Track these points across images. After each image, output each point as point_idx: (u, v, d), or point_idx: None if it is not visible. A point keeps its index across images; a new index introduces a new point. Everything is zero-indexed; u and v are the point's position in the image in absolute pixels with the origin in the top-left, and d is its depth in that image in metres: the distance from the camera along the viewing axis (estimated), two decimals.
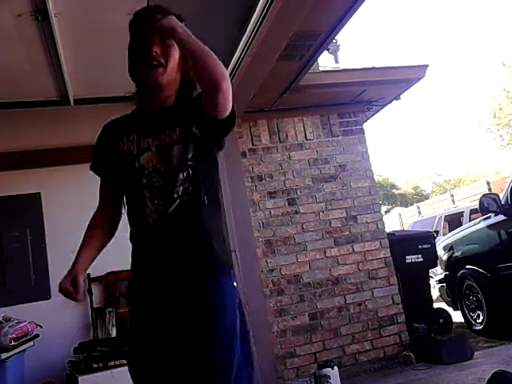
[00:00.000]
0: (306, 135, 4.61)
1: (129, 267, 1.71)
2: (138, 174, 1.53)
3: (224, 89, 1.40)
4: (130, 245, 1.79)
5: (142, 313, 1.57)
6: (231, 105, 1.47)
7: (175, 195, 1.49)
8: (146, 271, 1.59)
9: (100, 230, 1.75)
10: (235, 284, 1.54)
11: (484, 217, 5.21)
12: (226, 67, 3.22)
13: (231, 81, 3.35)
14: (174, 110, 1.57)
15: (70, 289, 1.61)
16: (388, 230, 5.19)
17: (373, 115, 5.30)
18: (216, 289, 1.48)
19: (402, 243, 4.79)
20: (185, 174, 1.50)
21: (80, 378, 2.93)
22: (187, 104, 1.58)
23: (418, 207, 15.45)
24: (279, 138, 4.54)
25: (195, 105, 1.53)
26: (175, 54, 1.57)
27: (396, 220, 15.53)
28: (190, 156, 1.51)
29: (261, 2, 2.53)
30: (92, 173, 1.74)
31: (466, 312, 5.35)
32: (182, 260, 1.49)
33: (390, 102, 5.04)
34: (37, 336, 3.19)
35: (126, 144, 1.57)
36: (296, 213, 4.42)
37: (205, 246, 1.51)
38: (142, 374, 1.52)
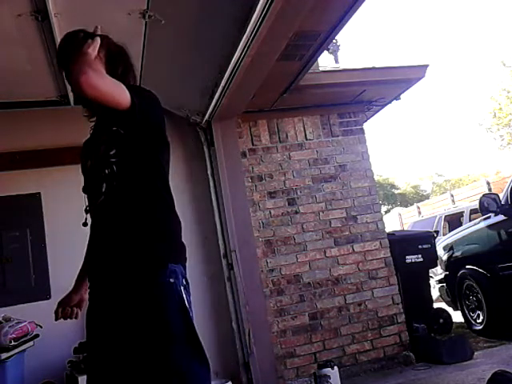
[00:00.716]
0: (305, 135, 4.61)
1: None
2: (87, 178, 1.67)
3: (83, 85, 1.39)
4: None
5: (88, 310, 1.63)
6: (122, 98, 1.47)
7: (99, 191, 1.57)
8: (90, 262, 1.68)
9: None
10: (172, 280, 1.47)
11: (484, 217, 5.21)
12: (226, 67, 3.22)
13: (231, 81, 3.33)
14: (102, 114, 1.63)
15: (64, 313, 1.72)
16: (388, 229, 5.19)
17: (373, 115, 5.30)
18: (136, 288, 1.46)
19: (402, 243, 4.79)
20: (108, 171, 1.56)
21: (80, 378, 2.93)
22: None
23: (418, 207, 15.46)
24: (279, 137, 4.54)
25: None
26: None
27: (396, 220, 15.54)
28: (112, 153, 1.56)
29: (261, 2, 2.53)
30: None
31: (466, 312, 5.35)
32: (106, 255, 1.55)
33: (389, 102, 5.04)
34: (37, 336, 3.19)
35: (83, 162, 1.70)
36: (296, 213, 4.42)
37: (126, 243, 1.52)
38: (89, 370, 1.57)
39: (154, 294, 1.46)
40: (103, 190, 1.56)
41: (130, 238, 1.52)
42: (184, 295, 1.49)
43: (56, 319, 1.71)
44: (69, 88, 3.58)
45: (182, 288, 1.49)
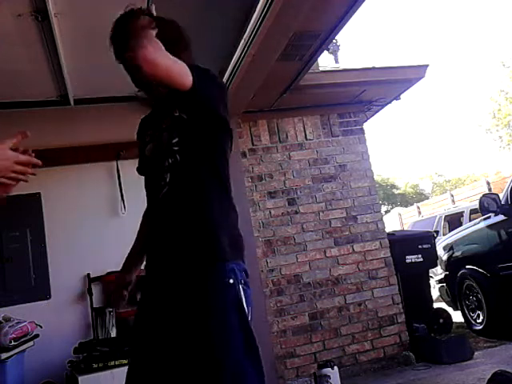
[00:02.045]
0: (305, 135, 4.61)
1: None
2: (146, 164, 1.62)
3: (142, 61, 1.33)
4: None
5: (141, 303, 1.56)
6: (184, 77, 1.39)
7: (162, 182, 1.49)
8: (148, 255, 1.60)
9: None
10: (231, 281, 1.40)
11: (484, 217, 5.21)
12: (226, 67, 3.22)
13: (231, 81, 3.34)
14: (165, 98, 1.57)
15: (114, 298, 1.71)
16: (388, 230, 5.19)
17: (373, 115, 5.30)
18: (191, 285, 1.39)
19: (401, 243, 4.79)
20: (171, 161, 1.49)
21: (80, 378, 2.92)
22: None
23: (418, 207, 15.46)
24: (279, 138, 4.54)
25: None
26: None
27: (396, 220, 15.54)
28: (175, 141, 1.50)
29: (261, 2, 2.53)
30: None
31: (466, 312, 5.35)
32: (166, 249, 1.47)
33: (389, 102, 5.04)
34: (37, 336, 3.19)
35: (141, 142, 1.66)
36: (296, 213, 4.42)
37: (186, 237, 1.44)
38: (135, 364, 1.49)
39: (208, 293, 1.38)
40: (167, 180, 1.48)
41: (191, 232, 1.44)
42: (242, 294, 1.42)
43: (109, 306, 1.72)
44: (69, 88, 3.58)
45: (240, 286, 1.42)
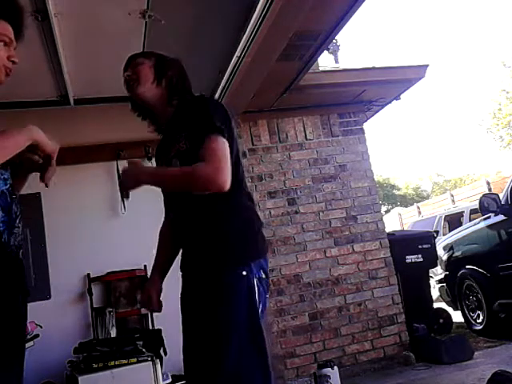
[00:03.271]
0: (306, 135, 4.61)
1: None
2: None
3: (214, 188, 1.49)
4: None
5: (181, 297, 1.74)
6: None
7: (174, 206, 1.73)
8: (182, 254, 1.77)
9: (169, 238, 1.87)
10: (244, 273, 1.52)
11: (484, 217, 5.21)
12: (226, 67, 3.21)
13: (231, 81, 3.32)
14: (173, 123, 1.71)
15: (146, 301, 1.82)
16: (388, 230, 5.19)
17: (373, 115, 5.30)
18: (209, 280, 1.55)
19: (401, 243, 4.79)
20: None
21: (80, 378, 2.92)
22: (183, 114, 1.68)
23: (418, 207, 15.45)
24: (279, 137, 4.54)
25: (189, 121, 1.61)
26: (144, 67, 1.73)
27: (396, 220, 15.53)
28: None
29: (261, 2, 2.53)
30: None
31: (466, 312, 5.35)
32: (190, 255, 1.67)
33: (389, 102, 5.04)
34: (37, 336, 3.18)
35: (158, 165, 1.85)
36: (296, 213, 4.42)
37: (204, 246, 1.60)
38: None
39: (223, 282, 1.52)
40: (179, 206, 1.69)
41: (208, 241, 1.59)
42: (256, 288, 1.54)
43: (145, 307, 1.88)
44: (69, 88, 3.58)
45: (254, 281, 1.54)
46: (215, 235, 1.57)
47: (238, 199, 1.62)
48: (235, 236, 1.58)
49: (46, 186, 1.43)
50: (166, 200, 1.84)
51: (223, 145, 1.51)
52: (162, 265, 1.84)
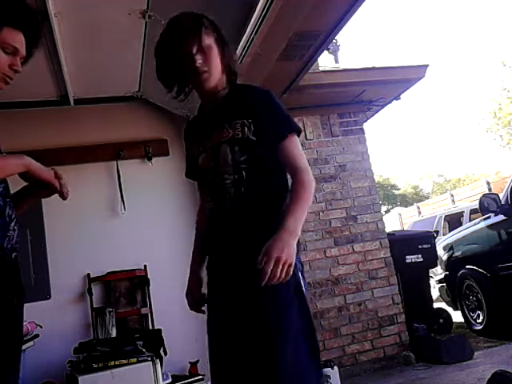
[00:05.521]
0: (306, 135, 4.60)
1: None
2: (200, 175, 1.67)
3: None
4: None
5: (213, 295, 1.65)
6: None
7: (226, 196, 1.56)
8: (212, 261, 1.67)
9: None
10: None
11: (484, 217, 5.21)
12: None
13: None
14: (224, 107, 1.61)
15: (191, 302, 1.72)
16: (388, 230, 5.19)
17: (373, 115, 5.30)
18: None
19: (401, 243, 4.79)
20: (236, 177, 1.55)
21: (80, 378, 2.92)
22: (237, 101, 1.61)
23: (418, 207, 15.45)
24: None
25: (252, 110, 1.57)
26: (215, 54, 1.59)
27: (396, 220, 15.53)
28: (242, 159, 1.55)
29: (261, 2, 2.53)
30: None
31: (466, 312, 5.34)
32: (236, 248, 1.55)
33: (389, 102, 5.03)
34: (37, 336, 3.18)
35: (192, 147, 1.71)
36: None
37: (251, 245, 1.51)
38: (214, 348, 1.60)
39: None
40: (231, 194, 1.55)
41: (260, 235, 1.49)
42: (302, 281, 1.53)
43: (193, 308, 1.73)
44: (69, 88, 3.58)
45: (299, 274, 1.54)
46: (269, 225, 1.51)
47: (286, 196, 1.59)
48: None
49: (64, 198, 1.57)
50: (205, 191, 1.71)
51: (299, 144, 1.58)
52: (201, 258, 1.76)
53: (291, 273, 1.40)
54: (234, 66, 1.66)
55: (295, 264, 1.44)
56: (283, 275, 1.37)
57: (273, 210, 1.55)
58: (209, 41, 1.57)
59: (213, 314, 1.62)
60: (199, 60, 1.55)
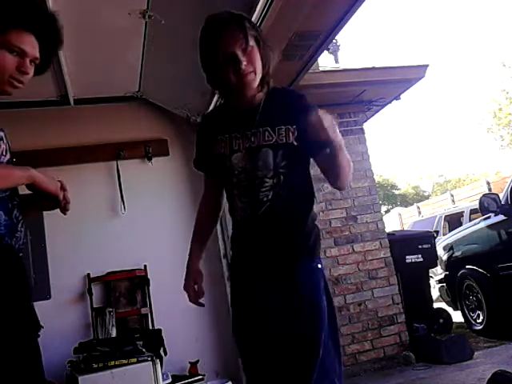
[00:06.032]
0: None
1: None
2: (229, 173, 1.63)
3: (347, 185, 1.61)
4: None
5: (244, 294, 1.67)
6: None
7: (264, 198, 1.57)
8: (242, 260, 1.70)
9: (206, 223, 1.82)
10: (319, 266, 1.61)
11: (484, 217, 5.21)
12: None
13: None
14: (264, 110, 1.61)
15: (192, 293, 1.71)
16: (388, 230, 5.19)
17: (373, 115, 5.30)
18: (295, 269, 1.57)
19: (401, 243, 4.79)
20: (275, 181, 1.57)
21: (80, 378, 2.92)
22: (278, 105, 1.62)
23: (418, 207, 15.46)
24: None
25: (294, 116, 1.58)
26: (257, 55, 1.61)
27: (396, 220, 15.54)
28: (283, 164, 1.57)
29: (261, 2, 2.53)
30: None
31: (466, 312, 5.35)
32: (265, 255, 1.60)
33: (389, 102, 5.03)
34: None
35: (220, 144, 1.64)
36: None
37: (286, 246, 1.59)
38: (247, 344, 1.64)
39: (305, 273, 1.57)
40: (269, 197, 1.57)
41: (293, 239, 1.60)
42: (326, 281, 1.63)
43: (192, 301, 1.73)
44: (69, 88, 3.58)
45: (324, 273, 1.64)
46: (303, 231, 1.62)
47: (314, 201, 1.72)
48: (317, 231, 1.66)
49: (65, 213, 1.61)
50: (219, 187, 1.73)
51: None
52: (203, 248, 1.79)
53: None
54: (270, 67, 1.65)
55: (320, 268, 1.60)
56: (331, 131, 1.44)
57: (306, 212, 1.65)
58: (252, 43, 1.59)
59: (249, 316, 1.63)
60: (244, 61, 1.55)
